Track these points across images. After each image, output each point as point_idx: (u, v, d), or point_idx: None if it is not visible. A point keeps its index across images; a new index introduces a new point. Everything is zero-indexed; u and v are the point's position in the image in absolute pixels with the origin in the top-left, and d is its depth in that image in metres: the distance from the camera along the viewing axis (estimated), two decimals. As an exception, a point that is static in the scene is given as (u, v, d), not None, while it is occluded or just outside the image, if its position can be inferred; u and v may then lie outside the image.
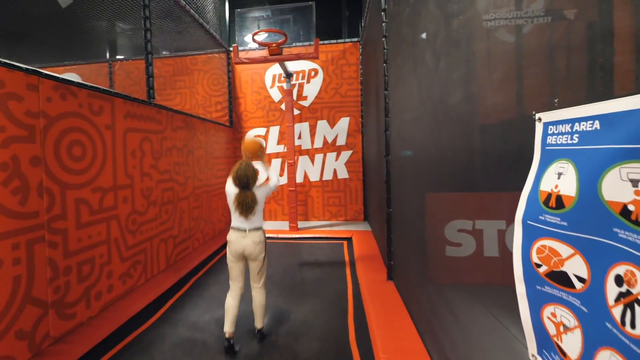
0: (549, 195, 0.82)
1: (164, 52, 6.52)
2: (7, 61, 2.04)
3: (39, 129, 2.25)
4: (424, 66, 2.07)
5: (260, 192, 2.35)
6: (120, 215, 3.05)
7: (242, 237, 2.28)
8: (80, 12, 4.89)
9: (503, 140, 1.19)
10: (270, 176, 2.54)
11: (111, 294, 2.89)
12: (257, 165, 2.46)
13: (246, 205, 2.23)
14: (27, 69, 2.17)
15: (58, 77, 2.43)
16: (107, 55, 6.41)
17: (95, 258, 2.73)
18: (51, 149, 2.34)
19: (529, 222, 0.89)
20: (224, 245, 4.98)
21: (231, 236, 2.33)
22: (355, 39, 6.24)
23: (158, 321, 2.81)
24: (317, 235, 5.38)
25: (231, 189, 2.34)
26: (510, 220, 0.96)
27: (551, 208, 0.81)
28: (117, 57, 6.45)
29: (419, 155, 2.16)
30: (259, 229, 2.35)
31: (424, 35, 2.08)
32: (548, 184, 0.83)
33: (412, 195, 2.33)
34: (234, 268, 2.36)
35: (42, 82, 2.28)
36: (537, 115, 0.88)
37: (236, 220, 2.33)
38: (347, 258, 4.40)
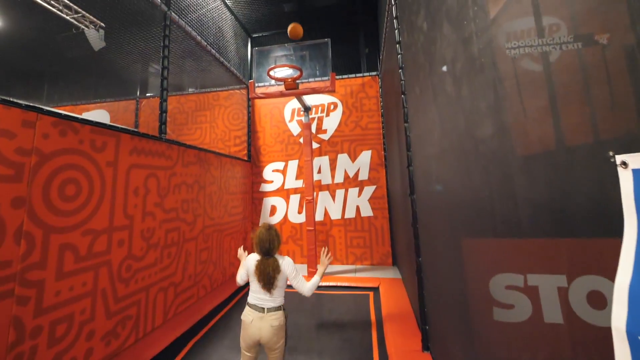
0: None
1: (190, 89, 6.83)
2: (4, 97, 1.97)
3: (29, 167, 2.09)
4: (445, 96, 1.85)
5: (283, 264, 2.11)
6: (113, 261, 2.73)
7: (259, 319, 2.00)
8: (111, 54, 5.23)
9: (552, 174, 0.99)
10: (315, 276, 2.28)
11: None
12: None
13: (267, 275, 2.02)
14: (25, 105, 2.08)
15: (60, 114, 2.32)
16: (137, 92, 6.84)
17: (75, 314, 2.37)
18: (39, 189, 2.15)
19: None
20: (236, 292, 4.51)
21: (246, 316, 2.06)
22: (374, 73, 6.10)
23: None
24: (339, 284, 4.72)
25: (251, 259, 2.17)
26: (573, 274, 0.85)
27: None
28: (147, 94, 6.84)
29: (450, 193, 1.81)
30: (279, 308, 2.07)
31: (444, 68, 1.88)
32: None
33: (445, 241, 1.90)
34: (247, 354, 2.06)
35: (41, 118, 2.18)
36: (620, 159, 0.63)
37: (254, 295, 2.08)
38: (373, 316, 3.70)
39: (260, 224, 2.25)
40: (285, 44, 4.99)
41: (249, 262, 2.17)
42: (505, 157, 1.23)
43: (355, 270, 5.40)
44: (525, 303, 1.08)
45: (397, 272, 5.17)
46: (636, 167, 0.64)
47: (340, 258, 5.87)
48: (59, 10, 4.29)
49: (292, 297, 4.33)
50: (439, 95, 1.95)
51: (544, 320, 1.00)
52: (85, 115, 7.03)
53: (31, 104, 2.15)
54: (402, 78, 3.02)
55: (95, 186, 2.60)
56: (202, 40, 4.87)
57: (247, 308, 2.08)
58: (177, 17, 4.23)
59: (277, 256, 2.13)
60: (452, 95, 1.72)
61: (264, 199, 6.32)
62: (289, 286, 2.17)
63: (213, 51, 5.17)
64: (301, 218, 6.06)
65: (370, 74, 6.14)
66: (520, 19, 1.11)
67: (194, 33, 4.66)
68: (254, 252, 2.20)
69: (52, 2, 4.23)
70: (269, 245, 2.07)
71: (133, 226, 2.98)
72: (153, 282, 3.23)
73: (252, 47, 6.70)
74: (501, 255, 1.28)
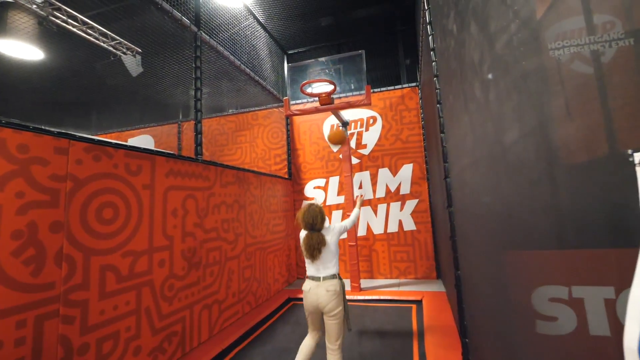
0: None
1: (230, 110, 6.97)
2: (35, 126, 2.04)
3: (64, 192, 2.14)
4: (475, 102, 1.79)
5: (330, 234, 2.30)
6: (155, 281, 2.78)
7: (316, 287, 2.19)
8: (148, 78, 5.44)
9: (600, 183, 0.94)
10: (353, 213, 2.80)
11: None
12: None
13: (312, 247, 2.19)
14: (57, 132, 2.15)
15: (92, 139, 2.41)
16: (180, 116, 7.10)
17: (121, 332, 2.43)
18: (77, 213, 2.21)
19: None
20: (280, 307, 4.63)
21: (305, 286, 2.27)
22: (414, 84, 6.01)
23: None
24: (382, 297, 4.64)
25: (301, 233, 2.36)
26: (620, 286, 0.82)
27: None
28: (189, 118, 7.10)
29: (489, 205, 1.75)
30: (334, 276, 2.24)
31: (490, 75, 1.80)
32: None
33: (484, 253, 1.81)
34: (310, 319, 2.31)
35: (73, 144, 2.23)
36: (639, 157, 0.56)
37: (309, 267, 2.29)
38: (415, 327, 3.61)
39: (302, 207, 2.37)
40: (319, 59, 5.01)
41: (300, 236, 2.36)
42: (548, 167, 1.19)
43: (399, 284, 5.23)
44: (570, 315, 1.04)
45: (442, 285, 4.91)
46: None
47: (384, 272, 5.72)
48: (95, 38, 4.44)
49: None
50: (470, 102, 1.90)
51: (590, 332, 0.97)
52: (131, 141, 7.45)
53: (63, 131, 2.19)
54: (438, 86, 2.96)
55: (133, 209, 2.64)
56: (236, 60, 4.87)
57: (306, 280, 2.29)
58: (208, 38, 4.20)
59: (325, 229, 2.30)
60: (487, 103, 1.68)
61: (306, 214, 6.44)
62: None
63: (247, 70, 5.19)
64: (344, 234, 6.06)
65: (410, 85, 6.03)
66: (567, 17, 1.04)
67: (226, 53, 4.60)
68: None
69: (89, 30, 4.36)
70: (312, 221, 2.23)
71: (173, 246, 3.03)
72: (197, 300, 3.29)
73: (288, 63, 6.77)
74: (544, 267, 1.23)
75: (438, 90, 2.95)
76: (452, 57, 2.33)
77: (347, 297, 4.78)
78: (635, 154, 0.63)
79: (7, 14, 4.05)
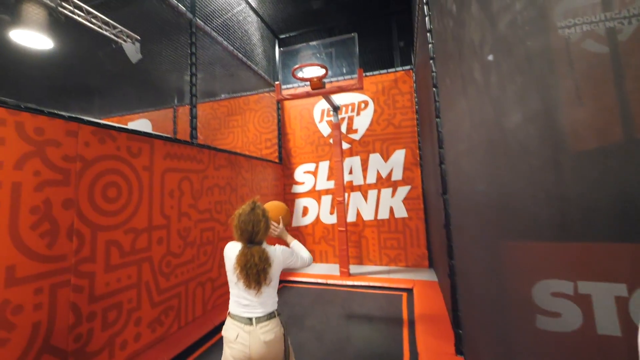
0: None
1: (222, 95, 7.02)
2: (49, 110, 2.17)
3: (75, 172, 2.30)
4: (474, 85, 1.71)
5: (275, 252, 1.60)
6: (154, 257, 2.94)
7: (247, 334, 1.48)
8: (146, 65, 5.60)
9: (614, 171, 0.89)
10: (293, 246, 1.83)
11: (138, 343, 2.71)
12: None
13: (252, 268, 1.47)
14: (68, 116, 2.28)
15: (98, 123, 2.53)
16: (175, 101, 7.22)
17: (124, 303, 2.61)
18: (85, 191, 2.37)
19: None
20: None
21: (228, 331, 1.53)
22: (408, 67, 5.86)
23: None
24: (372, 284, 4.66)
25: (230, 247, 1.64)
26: (634, 284, 0.79)
27: None
28: (183, 102, 7.21)
29: (487, 192, 1.69)
30: (272, 315, 1.54)
31: (490, 57, 1.69)
32: None
33: (481, 243, 1.77)
34: None
35: (81, 128, 2.38)
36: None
37: (236, 300, 1.55)
38: (405, 315, 3.62)
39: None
40: (310, 43, 4.90)
41: (228, 253, 1.63)
42: (553, 153, 1.11)
43: (389, 272, 5.25)
44: (575, 312, 1.01)
45: (434, 274, 4.94)
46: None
47: (374, 259, 5.74)
48: (98, 27, 4.69)
49: (324, 291, 4.38)
50: (468, 84, 1.81)
51: (597, 331, 0.94)
52: (130, 125, 7.60)
53: (73, 115, 2.33)
54: (434, 69, 2.87)
55: (134, 189, 2.80)
56: (229, 45, 4.97)
57: (228, 320, 1.56)
58: (203, 24, 4.31)
59: (266, 245, 1.62)
60: (487, 86, 1.59)
61: (296, 200, 6.39)
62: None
63: (240, 55, 5.27)
64: (333, 219, 6.03)
65: (404, 68, 5.88)
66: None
67: (220, 38, 4.72)
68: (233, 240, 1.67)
69: (92, 20, 4.60)
70: (253, 229, 1.54)
71: (170, 226, 3.18)
72: (191, 277, 3.45)
73: (279, 48, 6.72)
74: (547, 260, 1.18)
75: (434, 74, 2.86)
76: (450, 38, 2.23)
77: (335, 281, 4.82)
78: None
79: (21, 7, 4.37)
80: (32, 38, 4.81)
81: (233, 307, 1.56)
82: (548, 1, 1.12)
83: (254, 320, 1.50)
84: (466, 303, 2.22)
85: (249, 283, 1.49)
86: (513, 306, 1.43)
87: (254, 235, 1.55)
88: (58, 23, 4.64)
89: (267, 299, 1.55)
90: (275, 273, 1.59)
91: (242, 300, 1.54)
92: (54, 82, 6.62)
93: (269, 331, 1.50)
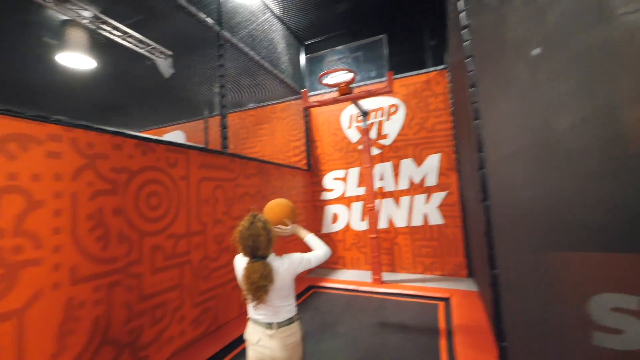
0: None
1: (250, 105, 7.14)
2: (98, 126, 2.39)
3: (121, 182, 2.51)
4: (519, 84, 1.61)
5: (283, 266, 1.58)
6: (193, 261, 3.15)
7: (268, 338, 1.54)
8: (179, 79, 5.92)
9: None
10: (307, 240, 1.80)
11: (182, 339, 2.95)
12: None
13: (254, 285, 1.46)
14: (113, 131, 2.49)
15: (139, 136, 2.72)
16: (206, 112, 7.50)
17: (168, 302, 2.83)
18: (131, 200, 2.57)
19: None
20: (301, 294, 4.59)
21: (251, 334, 1.60)
22: (441, 67, 5.64)
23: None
24: (406, 292, 4.51)
25: (239, 262, 1.65)
26: None
27: None
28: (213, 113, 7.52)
29: (537, 199, 1.58)
30: (291, 320, 1.59)
31: (536, 51, 1.58)
32: None
33: (527, 252, 1.65)
34: None
35: (125, 141, 2.58)
36: None
37: (254, 309, 1.60)
38: (442, 325, 3.45)
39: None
40: (336, 48, 4.87)
41: (236, 265, 1.68)
42: (611, 157, 1.03)
43: (423, 280, 5.06)
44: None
45: (473, 284, 4.69)
46: None
47: (407, 267, 5.57)
48: (135, 45, 5.05)
49: (356, 298, 4.31)
50: (514, 85, 1.71)
51: None
52: (165, 136, 8.02)
53: (118, 130, 2.52)
54: (471, 69, 2.74)
55: (173, 197, 2.99)
56: (255, 55, 5.07)
57: (249, 324, 1.63)
58: (229, 36, 4.41)
59: (273, 257, 1.59)
60: (534, 85, 1.50)
61: (325, 207, 6.38)
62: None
63: (266, 64, 5.36)
64: (364, 225, 5.94)
65: (436, 68, 5.63)
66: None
67: (246, 49, 4.83)
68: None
69: (128, 39, 4.95)
70: (253, 244, 1.51)
71: (206, 232, 3.37)
72: (227, 280, 3.63)
73: (305, 54, 6.70)
74: (606, 272, 1.09)
75: (472, 73, 2.73)
76: (490, 34, 2.13)
77: (367, 288, 4.73)
78: None
79: (66, 31, 4.82)
80: (77, 59, 5.26)
81: (252, 313, 1.63)
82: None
83: (274, 325, 1.55)
84: (512, 315, 2.07)
85: (252, 298, 1.51)
86: (564, 321, 1.34)
87: (256, 250, 1.53)
88: (98, 44, 5.09)
89: (281, 307, 1.58)
90: (284, 285, 1.58)
91: (258, 309, 1.59)
92: (97, 99, 7.18)
93: (290, 335, 1.56)
